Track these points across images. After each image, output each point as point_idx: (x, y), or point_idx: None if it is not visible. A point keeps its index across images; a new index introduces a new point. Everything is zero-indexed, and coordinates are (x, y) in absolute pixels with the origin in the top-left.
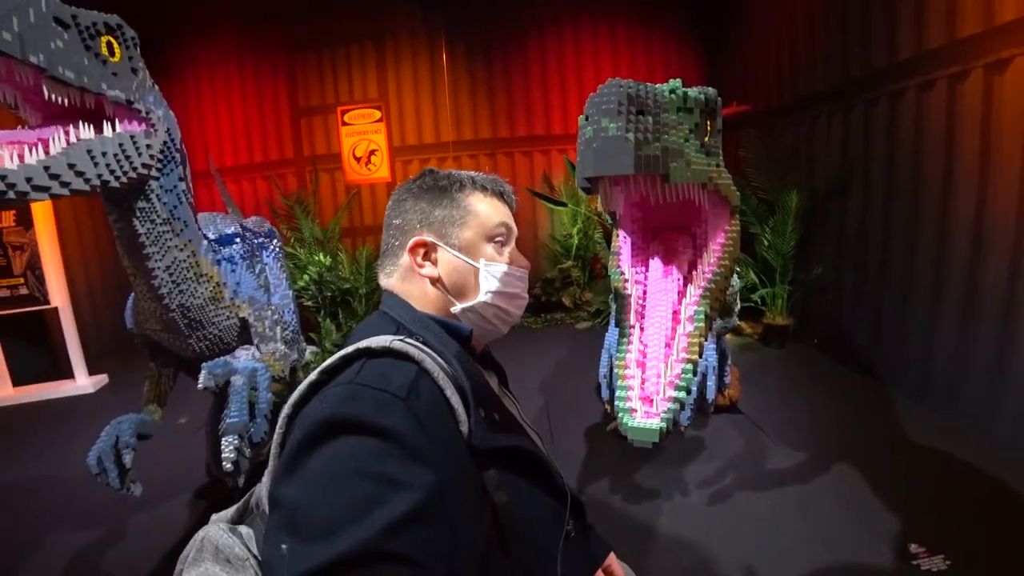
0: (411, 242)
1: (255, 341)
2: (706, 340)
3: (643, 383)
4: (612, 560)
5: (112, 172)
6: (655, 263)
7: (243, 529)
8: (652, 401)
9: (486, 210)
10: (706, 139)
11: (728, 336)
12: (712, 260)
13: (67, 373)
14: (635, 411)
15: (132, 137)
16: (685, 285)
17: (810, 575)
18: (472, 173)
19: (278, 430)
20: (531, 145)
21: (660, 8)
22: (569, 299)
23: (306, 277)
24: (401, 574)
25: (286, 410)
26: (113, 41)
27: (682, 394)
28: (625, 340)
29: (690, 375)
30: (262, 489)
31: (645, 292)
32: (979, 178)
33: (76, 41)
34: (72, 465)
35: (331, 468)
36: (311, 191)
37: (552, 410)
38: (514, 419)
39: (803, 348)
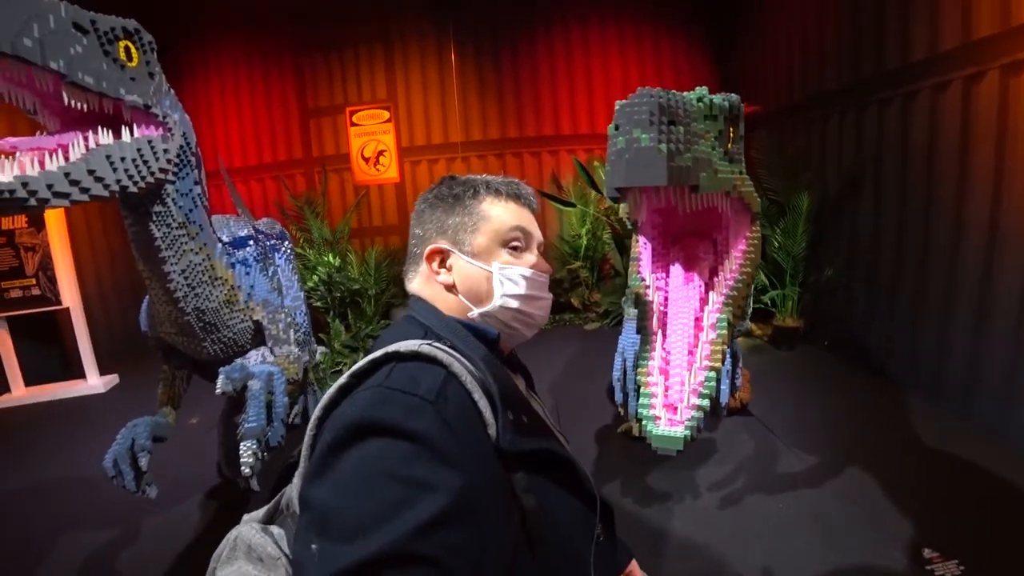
0: (427, 250)
1: (269, 344)
2: (728, 347)
3: (666, 390)
4: (634, 567)
5: (131, 177)
6: (676, 269)
7: (274, 529)
8: (676, 409)
9: (499, 214)
10: (729, 145)
11: (738, 338)
12: (734, 267)
13: (78, 373)
14: (659, 419)
15: (150, 142)
16: (707, 292)
17: None
18: (488, 177)
19: (308, 432)
20: (540, 145)
21: (669, 7)
22: (578, 300)
23: (315, 278)
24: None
25: (316, 412)
26: (131, 46)
27: (705, 402)
28: (648, 347)
29: (713, 383)
30: (293, 490)
31: (666, 299)
32: (994, 180)
33: (95, 46)
34: (84, 465)
35: (361, 470)
36: (320, 192)
37: (562, 412)
38: (542, 422)
39: (813, 350)
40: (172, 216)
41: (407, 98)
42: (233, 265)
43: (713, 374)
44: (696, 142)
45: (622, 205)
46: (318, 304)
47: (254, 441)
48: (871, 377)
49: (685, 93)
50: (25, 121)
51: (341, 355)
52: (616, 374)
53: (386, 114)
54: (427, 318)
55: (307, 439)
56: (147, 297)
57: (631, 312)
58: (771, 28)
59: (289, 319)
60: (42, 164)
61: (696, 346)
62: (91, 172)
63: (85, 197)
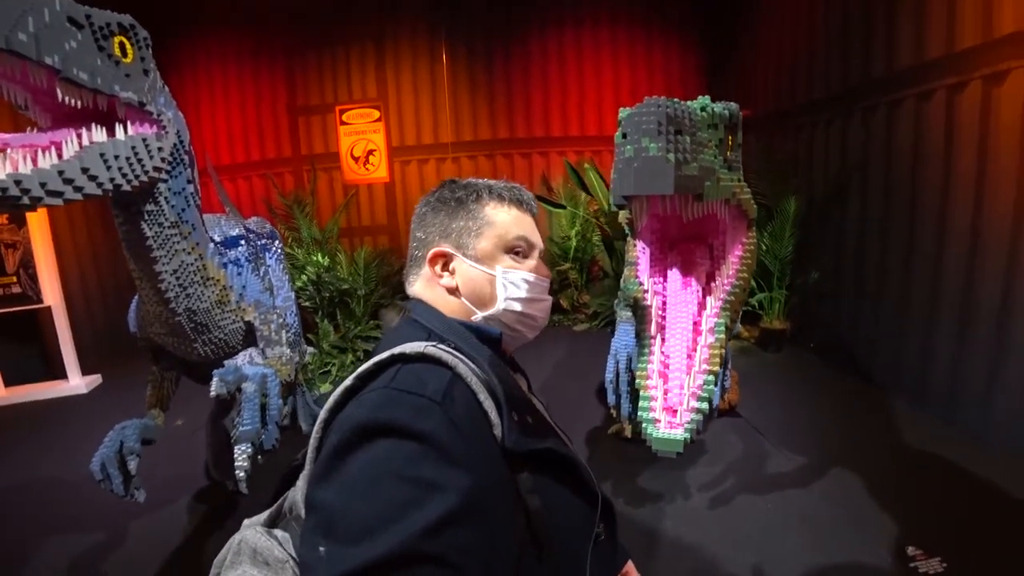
0: (430, 253)
1: (261, 345)
2: (724, 351)
3: (666, 394)
4: (631, 568)
5: (124, 176)
6: (673, 274)
7: (279, 533)
8: (676, 412)
9: (504, 220)
10: (728, 153)
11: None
12: (731, 272)
13: (60, 373)
14: (659, 422)
15: (144, 139)
16: (704, 296)
17: None
18: (490, 181)
19: (314, 435)
20: (530, 147)
21: (661, 12)
22: (567, 301)
23: (304, 278)
24: None
25: (322, 415)
26: (126, 42)
27: (704, 404)
28: (646, 351)
29: (712, 386)
30: (296, 494)
31: (664, 303)
32: (976, 187)
33: (90, 42)
34: (67, 467)
35: (368, 471)
36: (309, 191)
37: (552, 413)
38: (546, 422)
39: (800, 352)
40: (165, 215)
41: (398, 97)
42: (225, 265)
43: (712, 377)
44: (701, 151)
45: (623, 211)
46: (307, 304)
47: (248, 444)
48: (857, 380)
49: (688, 102)
50: (8, 116)
51: (330, 356)
52: (609, 376)
53: (376, 113)
54: (429, 320)
55: (312, 442)
56: (136, 297)
57: (623, 315)
58: (762, 35)
59: (280, 320)
60: (35, 161)
61: (694, 350)
62: (85, 170)
63: (79, 196)
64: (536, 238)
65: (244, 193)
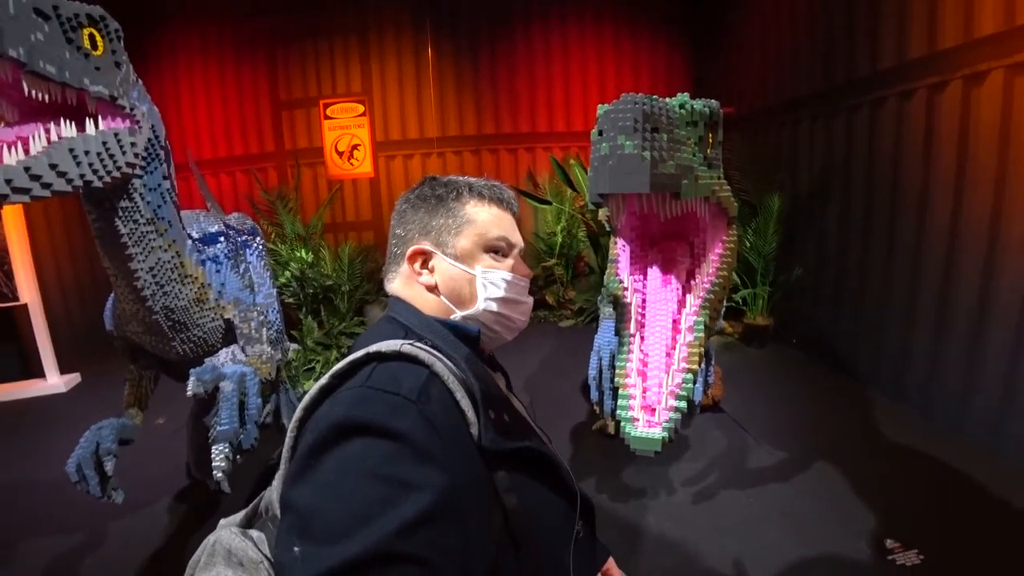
0: (409, 251)
1: (241, 343)
2: (704, 349)
3: (644, 392)
4: (611, 565)
5: (95, 172)
6: (654, 272)
7: (254, 533)
8: (654, 410)
9: (484, 219)
10: (708, 151)
11: (711, 337)
12: (711, 270)
13: (38, 372)
14: (637, 420)
15: (116, 135)
16: (684, 294)
17: (791, 569)
18: (471, 179)
19: (289, 434)
20: (516, 142)
21: (647, 7)
22: (552, 297)
23: (287, 274)
24: (414, 575)
25: (297, 414)
26: (96, 33)
27: (683, 403)
28: (625, 349)
29: (691, 384)
30: (272, 493)
31: (644, 301)
32: (955, 185)
33: (57, 33)
34: (47, 467)
35: (343, 470)
36: (292, 186)
37: (536, 409)
38: (524, 420)
39: (783, 348)
40: (139, 212)
41: (383, 92)
42: (203, 262)
43: (691, 376)
44: (679, 149)
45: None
46: (290, 301)
47: (226, 444)
48: (838, 375)
49: (667, 99)
50: None
51: (314, 352)
52: (592, 372)
53: (361, 108)
54: (407, 318)
55: (287, 441)
56: (112, 295)
57: (607, 311)
58: (747, 32)
59: (261, 317)
60: (0, 158)
61: (674, 348)
62: (53, 167)
63: (47, 193)
64: (516, 237)
65: (227, 189)
